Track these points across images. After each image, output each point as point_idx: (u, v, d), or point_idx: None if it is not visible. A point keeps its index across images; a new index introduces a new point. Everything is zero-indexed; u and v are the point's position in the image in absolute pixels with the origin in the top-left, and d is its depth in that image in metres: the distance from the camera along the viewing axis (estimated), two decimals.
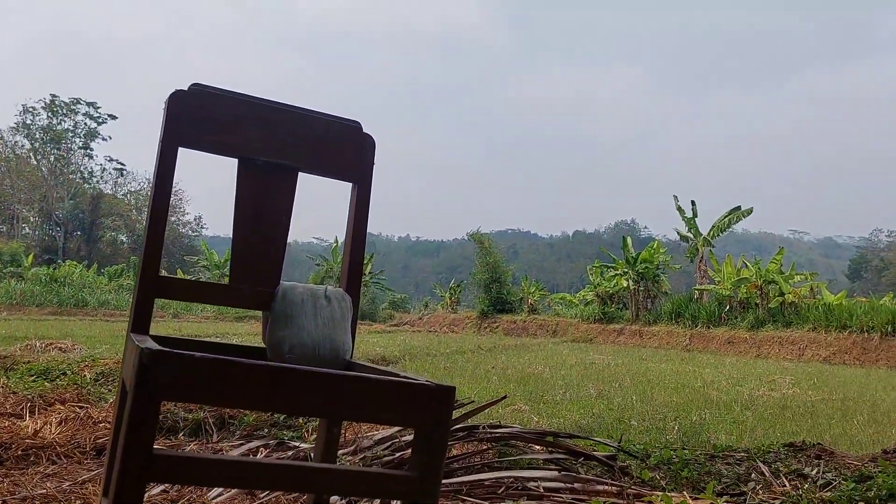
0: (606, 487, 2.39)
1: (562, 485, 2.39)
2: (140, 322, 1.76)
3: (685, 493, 2.45)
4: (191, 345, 1.82)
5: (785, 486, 2.70)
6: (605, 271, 27.21)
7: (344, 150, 2.04)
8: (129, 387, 1.33)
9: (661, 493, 2.35)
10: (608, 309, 26.07)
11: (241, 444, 3.17)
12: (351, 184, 2.08)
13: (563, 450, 2.67)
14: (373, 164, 2.10)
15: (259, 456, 2.90)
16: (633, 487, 2.45)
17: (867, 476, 2.62)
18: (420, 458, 1.47)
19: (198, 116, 1.91)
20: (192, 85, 1.95)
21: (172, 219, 52.09)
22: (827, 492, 2.54)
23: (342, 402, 1.41)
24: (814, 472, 2.80)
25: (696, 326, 22.61)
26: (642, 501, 2.32)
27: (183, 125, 1.89)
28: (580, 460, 2.65)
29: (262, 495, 2.56)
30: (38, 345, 8.35)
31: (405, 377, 1.57)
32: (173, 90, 1.95)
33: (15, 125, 51.25)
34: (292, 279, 2.13)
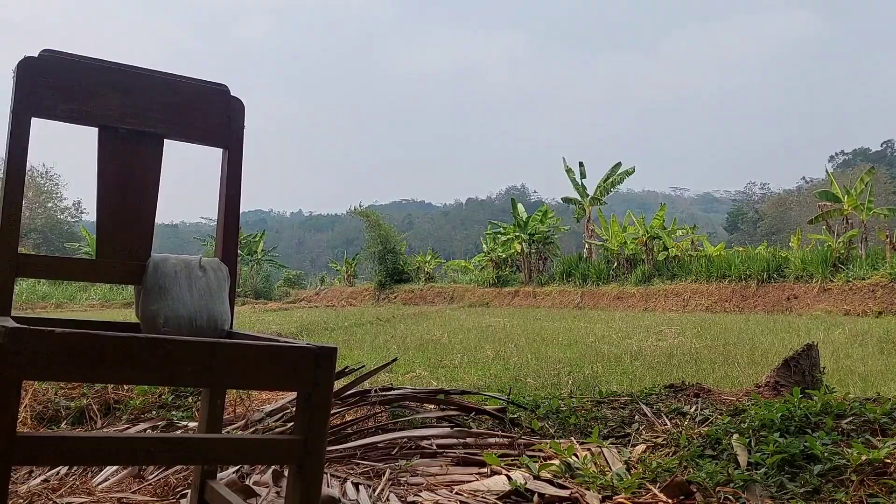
0: (498, 440, 2.46)
1: (454, 440, 2.44)
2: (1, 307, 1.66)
3: (573, 438, 2.55)
4: (57, 323, 1.73)
5: (666, 424, 2.85)
6: (497, 237, 27.69)
7: (211, 114, 1.97)
8: None
9: (550, 441, 2.44)
10: (502, 273, 26.61)
11: (128, 429, 3.06)
12: (221, 149, 2.02)
13: (455, 406, 2.72)
14: (243, 127, 2.04)
15: None
16: (523, 437, 2.52)
17: (741, 409, 2.80)
18: (303, 421, 1.45)
19: (51, 84, 1.80)
20: (42, 51, 1.83)
21: (49, 205, 49.12)
22: (705, 427, 2.70)
23: (220, 369, 1.38)
24: (692, 409, 2.97)
25: (587, 285, 23.41)
26: (533, 450, 2.40)
27: (35, 93, 1.78)
28: (472, 415, 2.71)
29: (150, 476, 2.49)
30: None
31: (285, 341, 1.55)
32: (22, 56, 1.83)
33: None
34: None
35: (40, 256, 1.78)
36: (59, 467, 2.65)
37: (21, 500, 2.24)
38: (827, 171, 26.76)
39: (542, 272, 25.85)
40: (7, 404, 1.22)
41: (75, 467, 2.63)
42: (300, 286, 39.51)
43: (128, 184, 1.86)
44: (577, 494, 1.99)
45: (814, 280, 18.46)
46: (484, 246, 29.23)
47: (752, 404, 2.87)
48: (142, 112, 1.89)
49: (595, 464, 2.32)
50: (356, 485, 2.11)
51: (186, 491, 2.27)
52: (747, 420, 2.56)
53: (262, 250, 35.59)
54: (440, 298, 26.58)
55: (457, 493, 2.03)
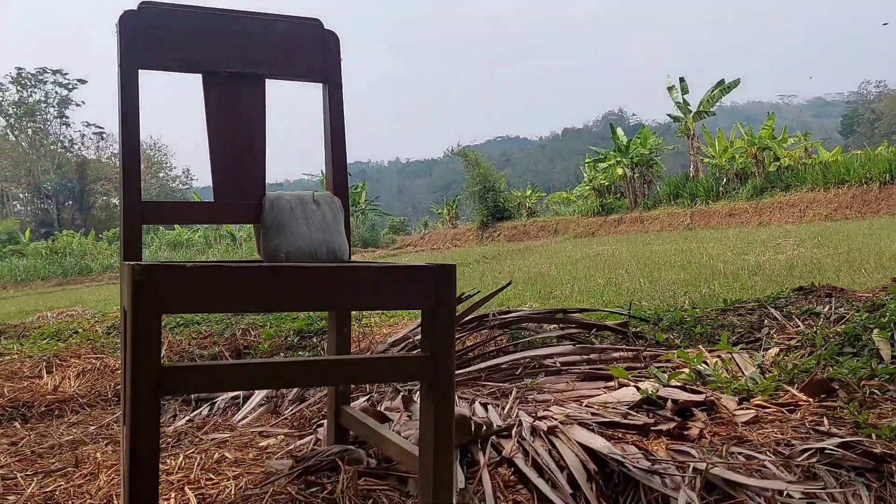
0: (622, 354, 2.41)
1: (578, 357, 2.41)
2: (131, 250, 1.74)
3: (700, 347, 2.47)
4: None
5: (798, 326, 2.72)
6: (598, 164, 27.06)
7: (308, 50, 1.97)
8: (128, 307, 1.31)
9: (677, 351, 2.37)
10: (606, 201, 26.08)
11: None
12: (321, 84, 2.02)
13: (575, 325, 2.69)
14: (340, 60, 2.03)
15: None
16: (648, 350, 2.47)
17: (879, 304, 2.64)
18: (430, 338, 1.46)
19: (152, 35, 1.84)
20: (141, 3, 1.87)
21: (160, 175, 51.63)
22: (840, 325, 2.56)
23: (343, 292, 1.40)
24: (826, 309, 2.82)
25: (696, 204, 22.64)
26: (659, 361, 2.35)
27: (139, 45, 1.83)
28: (593, 332, 2.67)
29: (285, 412, 2.60)
30: (49, 315, 8.37)
31: (405, 264, 1.55)
32: (122, 11, 1.87)
33: None
34: None
35: (164, 203, 1.84)
36: (202, 408, 2.80)
37: (169, 439, 2.39)
38: None
39: (648, 196, 25.15)
40: (149, 338, 1.28)
41: (217, 408, 2.78)
42: (405, 232, 40.09)
43: (236, 126, 1.90)
44: (712, 398, 1.93)
45: None
46: (584, 175, 28.66)
47: (892, 298, 2.69)
48: (242, 54, 1.91)
49: (727, 370, 2.25)
50: (484, 405, 2.12)
51: (321, 422, 2.36)
52: (888, 314, 2.41)
53: (365, 200, 36.25)
54: (544, 232, 26.39)
55: (586, 405, 2.01)
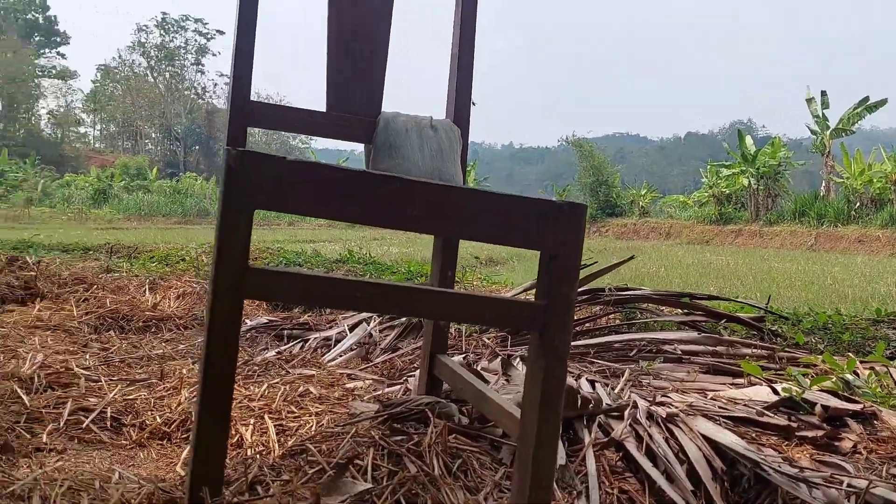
0: (754, 350, 2.13)
1: (701, 347, 2.15)
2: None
3: (850, 355, 2.15)
4: None
5: None
6: (721, 170, 25.85)
7: None
8: (219, 197, 1.16)
9: (823, 355, 2.06)
10: (725, 209, 24.91)
11: (349, 317, 3.07)
12: None
13: (702, 312, 2.41)
14: None
15: (373, 323, 2.79)
16: (785, 350, 2.17)
17: None
18: (548, 284, 1.25)
19: None
20: None
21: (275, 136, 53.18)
22: None
23: (453, 216, 1.21)
24: None
25: (823, 225, 21.28)
26: (798, 364, 2.05)
27: None
28: (722, 322, 2.38)
29: (375, 359, 2.46)
30: (164, 248, 8.65)
31: (529, 196, 1.34)
32: None
33: (131, 44, 53.25)
34: None
35: (270, 105, 1.69)
36: (294, 345, 2.71)
37: (256, 367, 2.29)
38: None
39: (771, 210, 23.83)
40: (238, 232, 1.13)
41: (308, 346, 2.67)
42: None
43: (358, 32, 1.73)
44: (872, 409, 1.64)
45: None
46: (705, 180, 27.44)
47: None
48: None
49: (881, 384, 1.93)
50: (591, 381, 1.90)
51: (411, 374, 2.20)
52: None
53: (475, 180, 36.14)
54: (655, 234, 25.51)
55: (712, 398, 1.75)
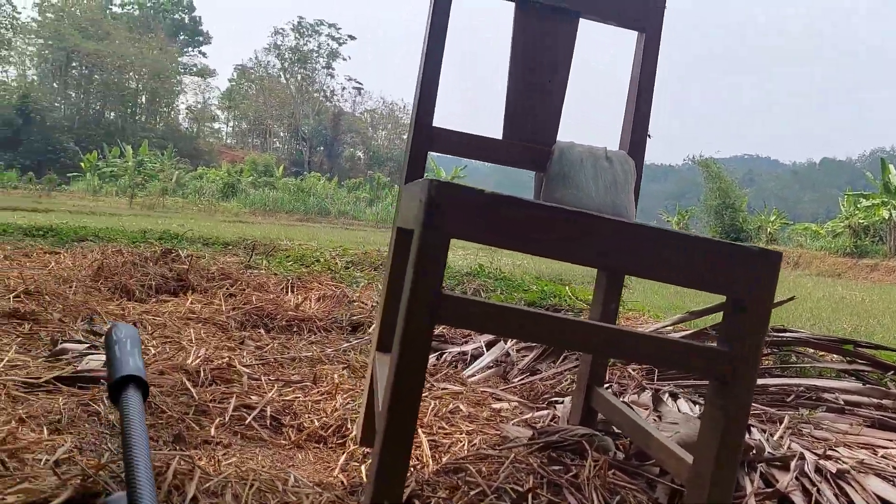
0: None
1: (866, 399, 2.03)
2: (415, 171, 1.66)
3: None
4: None
5: None
6: (859, 200, 24.39)
7: None
8: (417, 224, 1.20)
9: None
10: (861, 242, 23.47)
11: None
12: (636, 32, 1.82)
13: (867, 361, 2.29)
14: (664, 7, 1.81)
15: (510, 343, 2.80)
16: None
17: None
18: (733, 330, 1.23)
19: None
20: None
21: (405, 136, 54.17)
22: None
23: (639, 254, 1.20)
24: None
25: None
26: None
27: None
28: (889, 374, 2.25)
29: (514, 379, 2.47)
30: (288, 243, 9.01)
31: (720, 239, 1.32)
32: None
33: (267, 46, 55.86)
34: None
35: (452, 131, 1.74)
36: (431, 356, 2.75)
37: None
38: None
39: None
40: (437, 259, 1.16)
41: (444, 359, 2.71)
42: None
43: (539, 62, 1.75)
44: None
45: None
46: (841, 209, 25.98)
47: None
48: None
49: None
50: (748, 426, 1.83)
51: (553, 399, 2.20)
52: None
53: None
54: (783, 263, 24.32)
55: (882, 456, 1.66)
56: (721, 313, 1.36)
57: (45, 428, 1.57)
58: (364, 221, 28.16)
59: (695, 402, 2.07)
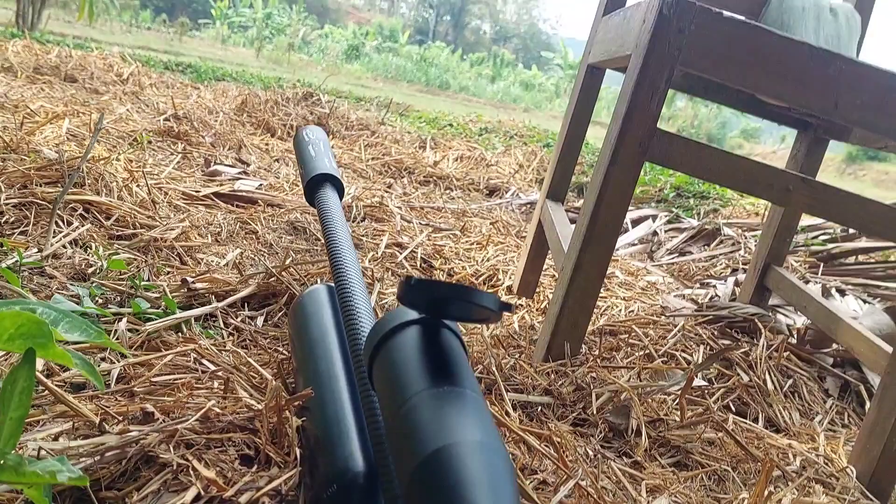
0: None
1: None
2: (614, 7, 1.51)
3: None
4: None
5: None
6: None
7: None
8: (637, 49, 1.07)
9: None
10: None
11: (630, 210, 2.96)
12: None
13: None
14: None
15: (659, 222, 2.67)
16: None
17: None
18: None
19: None
20: None
21: (534, 13, 52.33)
22: None
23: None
24: None
25: None
26: None
27: None
28: None
29: (660, 258, 2.35)
30: (429, 112, 8.92)
31: None
32: None
33: None
34: None
35: None
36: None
37: None
38: None
39: None
40: (658, 86, 1.04)
41: None
42: (755, 140, 36.82)
43: None
44: None
45: None
46: None
47: None
48: None
49: None
50: None
51: (707, 280, 2.08)
52: None
53: None
54: None
55: None
56: None
57: (209, 236, 1.59)
58: (484, 100, 27.69)
59: (864, 301, 1.91)
